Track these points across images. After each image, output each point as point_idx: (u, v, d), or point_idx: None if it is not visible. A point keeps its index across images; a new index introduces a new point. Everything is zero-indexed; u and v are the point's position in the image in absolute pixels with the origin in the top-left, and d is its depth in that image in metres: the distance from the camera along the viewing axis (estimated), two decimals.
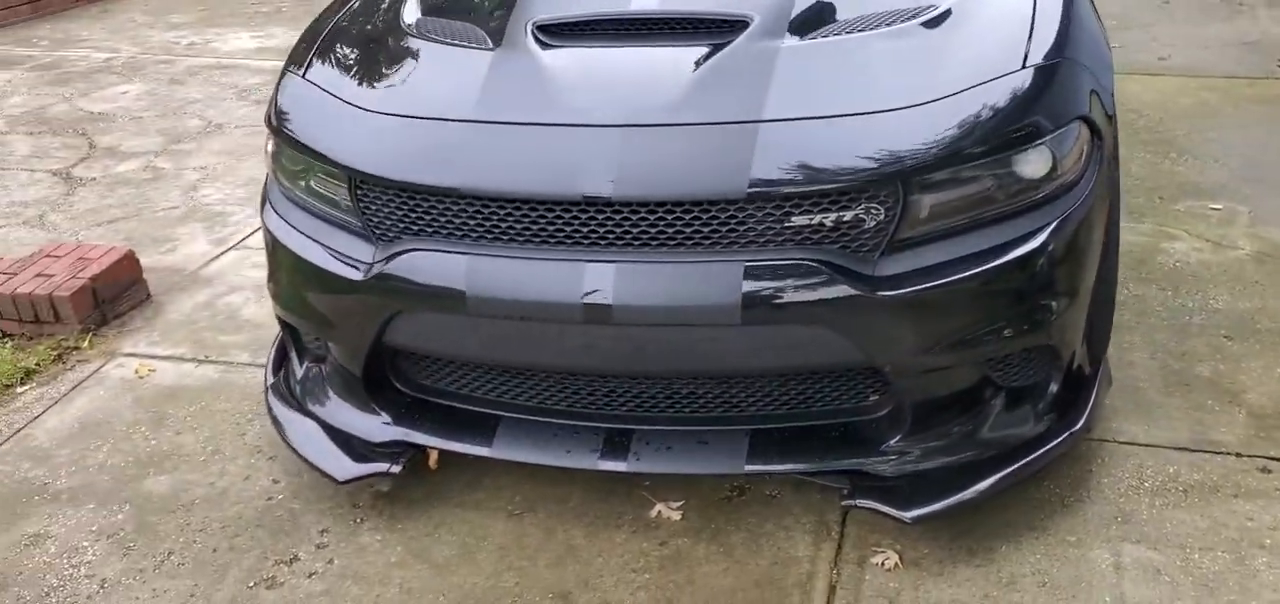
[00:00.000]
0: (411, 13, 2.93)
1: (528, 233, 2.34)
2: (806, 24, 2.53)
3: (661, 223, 2.26)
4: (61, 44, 7.61)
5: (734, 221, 2.25)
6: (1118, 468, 2.67)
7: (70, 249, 3.86)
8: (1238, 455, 2.70)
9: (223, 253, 4.21)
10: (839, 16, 2.59)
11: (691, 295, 2.26)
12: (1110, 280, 2.72)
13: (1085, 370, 2.60)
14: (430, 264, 2.39)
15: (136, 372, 3.41)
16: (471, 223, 2.38)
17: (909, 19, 2.54)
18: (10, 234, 4.49)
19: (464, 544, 2.58)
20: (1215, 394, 2.94)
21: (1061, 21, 2.54)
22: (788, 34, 2.49)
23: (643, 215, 2.26)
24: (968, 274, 2.27)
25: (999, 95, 2.32)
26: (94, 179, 5.07)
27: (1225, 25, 6.42)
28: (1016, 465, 2.45)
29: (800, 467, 2.47)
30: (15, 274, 3.72)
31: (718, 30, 2.52)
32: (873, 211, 2.25)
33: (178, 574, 2.56)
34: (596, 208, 2.28)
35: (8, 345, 3.56)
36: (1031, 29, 2.49)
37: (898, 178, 2.22)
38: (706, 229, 2.26)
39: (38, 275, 3.69)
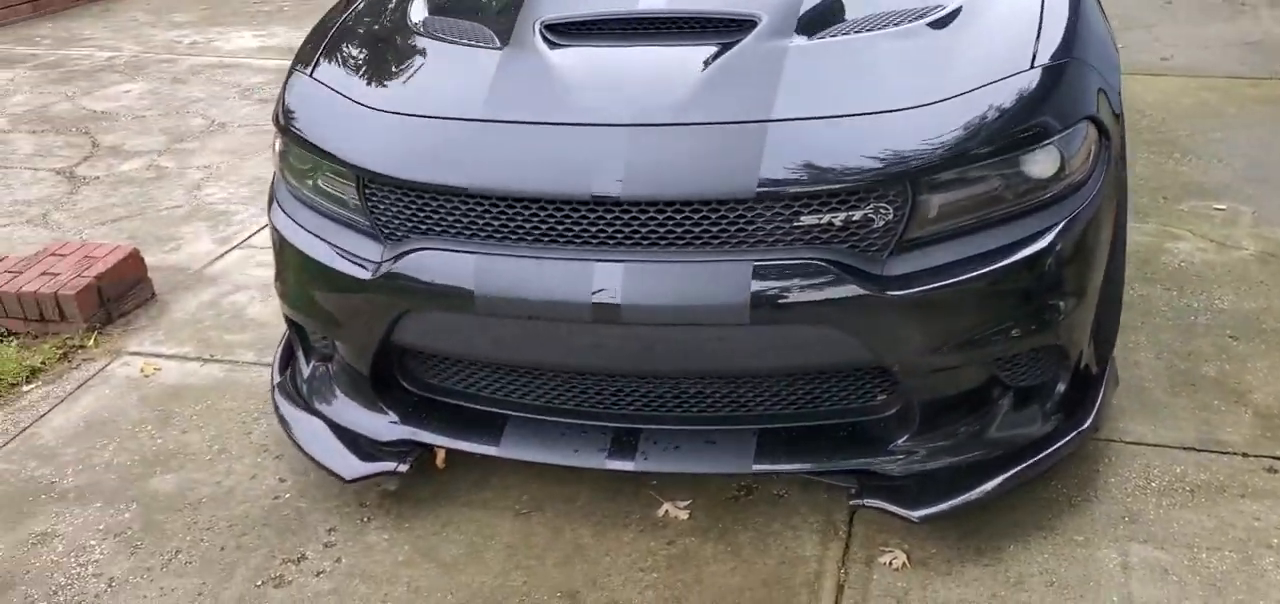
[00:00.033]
0: (418, 12, 2.93)
1: (536, 232, 2.34)
2: (814, 23, 2.53)
3: (670, 222, 2.27)
4: (64, 42, 7.60)
5: (743, 221, 2.25)
6: (1124, 468, 2.68)
7: (75, 248, 3.86)
8: (1244, 455, 2.70)
9: (227, 252, 4.21)
10: (847, 16, 2.59)
11: (700, 295, 2.26)
12: (1117, 280, 2.72)
13: (1092, 370, 2.60)
14: (438, 263, 2.39)
15: (142, 370, 3.42)
16: (480, 222, 2.38)
17: (917, 19, 2.55)
18: (14, 233, 4.49)
19: (472, 543, 2.59)
20: (1221, 394, 2.94)
21: (1069, 21, 2.54)
22: (796, 34, 2.49)
23: (651, 215, 2.27)
24: (976, 274, 2.27)
25: (1007, 95, 2.32)
26: (97, 178, 5.07)
27: (1227, 25, 6.42)
28: (1024, 465, 2.45)
29: (808, 466, 2.47)
30: (20, 272, 3.72)
31: (726, 30, 2.52)
32: (881, 211, 2.25)
33: (185, 573, 2.56)
34: (605, 207, 2.28)
35: (13, 344, 3.56)
36: (1039, 29, 2.49)
37: (906, 177, 2.23)
38: (715, 229, 2.26)
39: (43, 274, 3.69)
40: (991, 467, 2.45)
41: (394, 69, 2.75)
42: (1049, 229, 2.32)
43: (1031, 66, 2.39)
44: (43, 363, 3.45)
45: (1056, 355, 2.47)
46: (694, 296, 2.26)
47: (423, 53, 2.74)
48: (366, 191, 2.49)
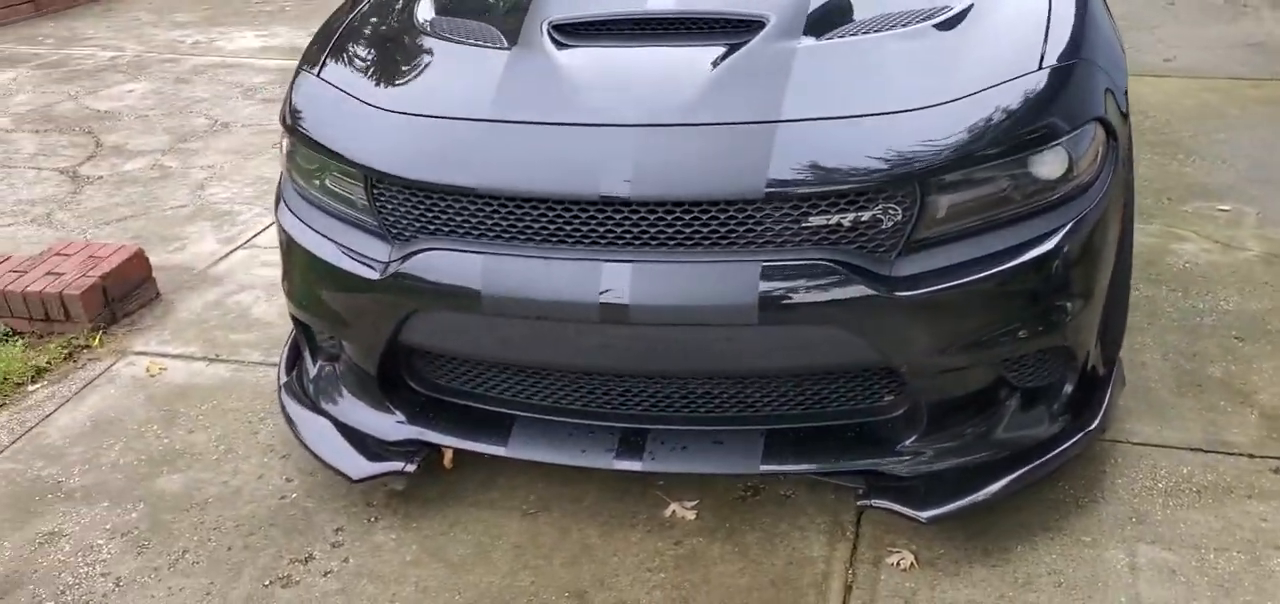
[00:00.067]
0: (425, 11, 2.93)
1: (544, 232, 2.34)
2: (822, 24, 2.54)
3: (678, 223, 2.27)
4: (66, 42, 7.60)
5: (751, 222, 2.26)
6: (1131, 469, 2.68)
7: (80, 247, 3.86)
8: (1250, 456, 2.71)
9: (231, 251, 4.21)
10: (855, 17, 2.59)
11: (708, 295, 2.26)
12: (1124, 281, 2.72)
13: (1099, 371, 2.60)
14: (446, 263, 2.39)
15: (148, 370, 3.42)
16: (488, 222, 2.38)
17: (924, 20, 2.55)
18: (18, 232, 4.49)
19: (479, 543, 2.59)
20: (1227, 395, 2.94)
21: (1076, 22, 2.55)
22: (804, 34, 2.49)
23: (659, 215, 2.27)
24: (984, 275, 2.28)
25: (1015, 96, 2.33)
26: (101, 177, 5.07)
27: (1230, 27, 6.42)
28: (1031, 466, 2.45)
29: (815, 467, 2.47)
30: (25, 272, 3.72)
31: (734, 30, 2.52)
32: (890, 212, 2.25)
33: (193, 573, 2.56)
34: (613, 207, 2.28)
35: (19, 343, 3.56)
36: (1047, 30, 2.49)
37: (915, 178, 2.23)
38: (723, 229, 2.26)
39: (48, 274, 3.69)
40: (999, 467, 2.45)
41: (401, 69, 2.76)
42: (1057, 230, 2.32)
43: (1039, 67, 2.39)
44: (48, 363, 3.46)
45: (1064, 356, 2.47)
46: (702, 297, 2.26)
47: (430, 53, 2.74)
48: (374, 191, 2.49)
